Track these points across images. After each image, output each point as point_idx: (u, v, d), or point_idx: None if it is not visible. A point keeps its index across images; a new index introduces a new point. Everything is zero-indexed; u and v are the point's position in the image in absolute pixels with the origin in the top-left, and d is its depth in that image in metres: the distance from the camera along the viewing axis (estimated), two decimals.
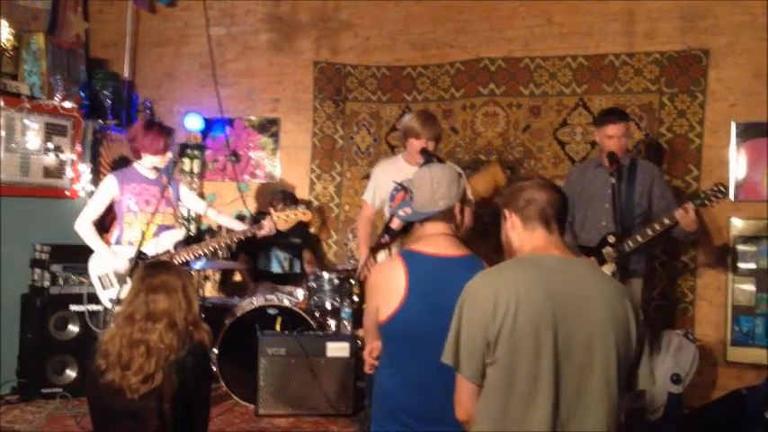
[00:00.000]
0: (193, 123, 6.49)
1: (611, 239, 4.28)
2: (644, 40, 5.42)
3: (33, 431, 4.42)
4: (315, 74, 6.35)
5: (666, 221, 4.18)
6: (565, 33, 5.63)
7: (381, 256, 4.03)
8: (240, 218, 6.33)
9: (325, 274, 5.26)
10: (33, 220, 5.24)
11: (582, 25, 5.59)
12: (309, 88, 6.37)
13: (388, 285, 2.52)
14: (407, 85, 6.11)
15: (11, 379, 5.07)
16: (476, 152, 5.79)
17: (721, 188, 4.14)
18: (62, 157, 5.44)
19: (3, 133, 5.08)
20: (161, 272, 2.83)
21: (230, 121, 6.63)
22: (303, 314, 5.04)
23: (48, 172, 5.38)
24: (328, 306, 5.14)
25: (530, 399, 1.97)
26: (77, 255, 4.85)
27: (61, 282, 5.12)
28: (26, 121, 5.21)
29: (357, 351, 4.69)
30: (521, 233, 2.19)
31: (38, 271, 5.15)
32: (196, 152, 6.53)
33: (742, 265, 5.10)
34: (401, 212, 2.73)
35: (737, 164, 5.15)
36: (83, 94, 6.01)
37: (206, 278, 6.20)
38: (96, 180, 5.42)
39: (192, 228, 6.23)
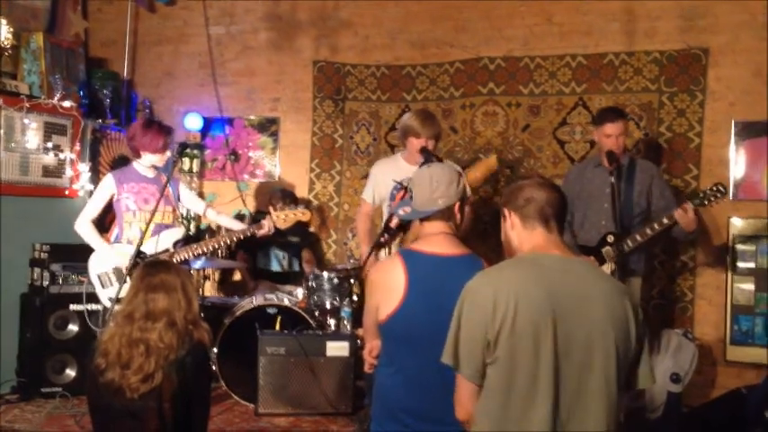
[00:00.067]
0: (193, 122, 6.50)
1: (611, 239, 4.29)
2: (643, 39, 5.42)
3: (33, 430, 4.41)
4: (314, 73, 6.35)
5: (665, 221, 4.18)
6: (564, 32, 5.63)
7: (382, 255, 4.04)
8: (239, 217, 6.34)
9: (325, 274, 5.26)
10: (33, 219, 5.23)
11: (581, 24, 5.59)
12: (309, 87, 6.37)
13: (388, 284, 2.52)
14: (407, 84, 6.11)
15: (10, 378, 5.07)
16: (475, 151, 5.78)
17: (720, 188, 4.15)
18: (61, 156, 5.43)
19: (2, 132, 5.07)
20: (160, 271, 2.83)
21: (230, 121, 6.63)
22: (303, 313, 5.04)
23: (47, 171, 5.37)
24: (328, 305, 5.14)
25: (529, 398, 1.97)
26: (77, 254, 4.85)
27: (60, 281, 5.11)
28: (25, 121, 5.20)
29: (357, 350, 4.69)
30: (520, 232, 2.19)
31: (37, 270, 5.14)
32: (195, 151, 6.53)
33: (741, 265, 5.10)
34: (401, 211, 2.72)
35: (737, 163, 5.15)
36: (82, 94, 6.01)
37: (206, 277, 6.20)
38: (95, 179, 5.42)
39: (192, 227, 6.22)
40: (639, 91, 5.42)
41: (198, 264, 5.25)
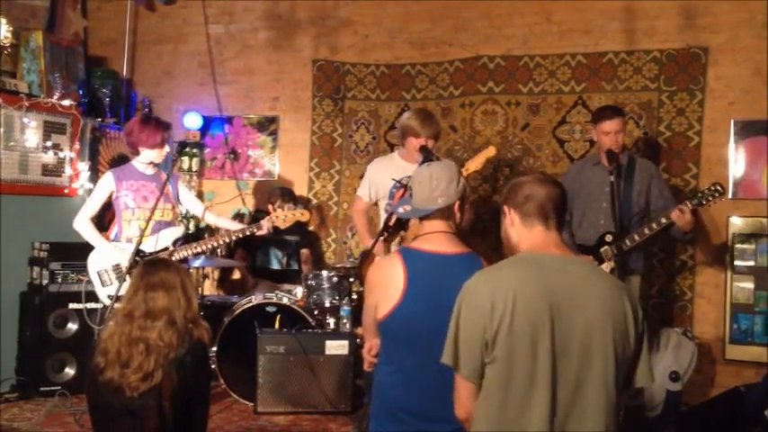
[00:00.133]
0: (192, 121, 6.50)
1: (609, 238, 4.29)
2: (643, 38, 5.42)
3: (32, 429, 4.41)
4: (314, 72, 6.35)
5: (663, 221, 4.18)
6: (564, 31, 5.63)
7: (382, 254, 4.04)
8: (239, 216, 6.34)
9: (324, 273, 5.26)
10: (32, 218, 5.23)
11: (581, 23, 5.59)
12: (308, 86, 6.37)
13: (387, 283, 2.52)
14: (406, 83, 6.11)
15: (10, 377, 5.06)
16: (475, 150, 5.76)
17: (719, 187, 4.15)
18: (61, 155, 5.43)
19: (1, 131, 5.07)
20: (160, 269, 2.83)
21: (229, 120, 6.64)
22: (302, 312, 5.04)
23: (46, 170, 5.37)
24: (327, 304, 5.14)
25: (527, 398, 1.97)
26: (76, 253, 4.86)
27: (60, 280, 5.12)
28: (25, 119, 5.20)
29: (356, 349, 4.69)
30: (519, 230, 2.19)
31: (36, 269, 5.14)
32: (195, 150, 6.53)
33: (741, 263, 5.10)
34: (401, 209, 2.72)
35: (736, 162, 5.15)
36: (81, 92, 6.01)
37: (205, 276, 6.20)
38: (95, 178, 5.42)
39: (191, 225, 6.22)
40: (639, 90, 5.42)
41: (197, 262, 5.26)
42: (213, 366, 4.83)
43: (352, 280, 5.21)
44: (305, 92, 6.39)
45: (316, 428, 4.60)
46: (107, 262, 4.53)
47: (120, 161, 5.51)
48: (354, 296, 5.15)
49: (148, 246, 4.45)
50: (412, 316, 2.46)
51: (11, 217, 5.09)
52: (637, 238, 4.23)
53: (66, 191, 5.46)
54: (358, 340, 4.71)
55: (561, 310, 1.98)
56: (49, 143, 5.36)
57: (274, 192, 5.85)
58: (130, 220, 4.56)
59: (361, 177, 4.82)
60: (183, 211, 5.03)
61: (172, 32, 6.84)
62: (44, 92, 5.58)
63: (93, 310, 4.84)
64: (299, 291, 5.29)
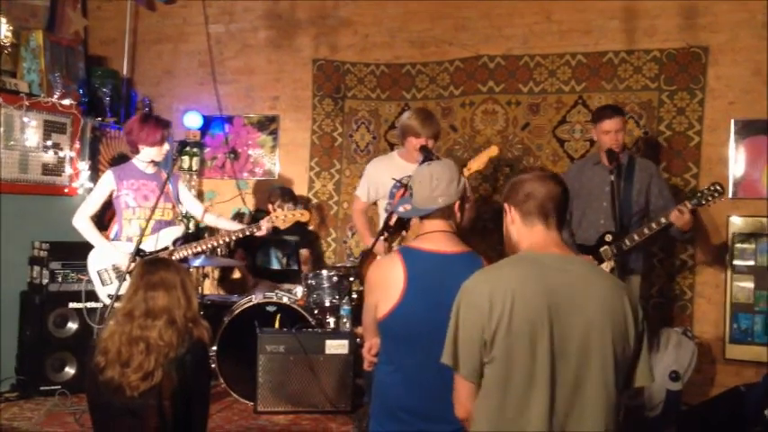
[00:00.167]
0: (192, 121, 6.50)
1: (609, 238, 4.29)
2: (643, 38, 5.42)
3: (32, 428, 4.42)
4: (314, 71, 6.35)
5: (663, 221, 4.18)
6: (564, 31, 5.63)
7: (382, 253, 4.04)
8: (239, 215, 6.34)
9: (324, 272, 5.27)
10: (32, 217, 5.23)
11: (581, 23, 5.59)
12: (308, 86, 6.37)
13: (387, 282, 2.52)
14: (406, 82, 6.11)
15: (10, 376, 5.07)
16: (475, 150, 5.77)
17: (718, 187, 4.14)
18: (61, 154, 5.43)
19: (1, 131, 5.07)
20: (160, 269, 2.83)
21: (229, 119, 6.64)
22: (302, 311, 5.04)
23: (46, 169, 5.37)
24: (327, 303, 5.15)
25: (526, 398, 1.96)
26: (76, 252, 4.86)
27: (60, 279, 5.12)
28: (25, 119, 5.20)
29: (356, 348, 4.69)
30: (519, 228, 2.18)
31: (36, 268, 5.14)
32: (195, 149, 6.53)
33: (740, 263, 5.10)
34: (401, 209, 2.72)
35: (736, 161, 5.15)
36: (81, 92, 6.01)
37: (205, 275, 6.20)
38: (95, 177, 5.42)
39: (192, 225, 6.22)
40: (639, 89, 5.42)
41: (197, 262, 5.26)
42: (213, 366, 4.83)
43: (352, 279, 5.21)
44: (305, 91, 6.39)
45: (316, 428, 4.60)
46: (107, 261, 4.53)
47: (120, 160, 5.51)
48: (354, 295, 5.15)
49: (148, 245, 4.44)
50: (412, 315, 2.46)
51: (11, 216, 5.09)
52: (636, 237, 4.23)
53: (66, 190, 5.47)
54: (358, 340, 4.71)
55: (560, 310, 1.98)
56: (49, 142, 5.36)
57: (274, 191, 5.85)
58: (131, 219, 4.55)
59: (362, 177, 4.81)
60: (184, 211, 5.03)
61: (172, 32, 6.84)
62: (44, 91, 5.58)
63: (93, 310, 4.84)
64: (299, 290, 5.29)
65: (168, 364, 2.68)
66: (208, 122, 6.62)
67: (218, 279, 6.60)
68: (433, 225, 2.58)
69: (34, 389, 5.00)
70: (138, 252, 4.28)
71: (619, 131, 4.39)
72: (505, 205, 2.23)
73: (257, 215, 6.03)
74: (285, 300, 5.09)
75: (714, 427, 4.16)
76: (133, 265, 4.10)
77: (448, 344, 2.09)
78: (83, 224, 4.54)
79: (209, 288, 6.45)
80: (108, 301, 4.40)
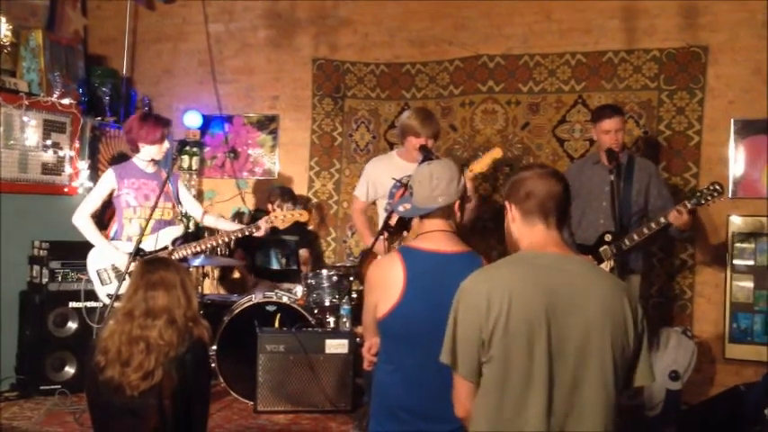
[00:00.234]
0: (192, 120, 6.50)
1: (608, 238, 4.29)
2: (643, 37, 5.42)
3: (32, 428, 4.41)
4: (313, 71, 6.35)
5: (663, 220, 4.19)
6: (564, 30, 5.64)
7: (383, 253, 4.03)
8: (239, 214, 6.34)
9: (324, 271, 5.27)
10: (32, 216, 5.23)
11: (581, 22, 5.59)
12: (308, 85, 6.37)
13: (387, 282, 2.52)
14: (406, 82, 6.11)
15: (10, 375, 5.07)
16: (475, 149, 5.78)
17: (717, 187, 4.15)
18: (60, 153, 5.43)
19: (1, 130, 5.07)
20: (159, 268, 2.83)
21: (229, 118, 6.63)
22: (302, 311, 5.04)
23: (46, 169, 5.37)
24: (327, 303, 5.15)
25: (524, 398, 1.96)
26: (76, 251, 4.86)
27: (60, 278, 5.12)
28: (24, 118, 5.20)
29: (356, 348, 4.69)
30: (520, 227, 2.18)
31: (36, 268, 5.14)
32: (195, 149, 6.53)
33: (740, 263, 5.11)
34: (401, 208, 2.72)
35: (736, 161, 5.15)
36: (81, 91, 6.01)
37: (205, 275, 6.20)
38: (95, 177, 5.42)
39: (191, 225, 6.22)
40: (639, 89, 5.42)
41: (196, 261, 5.26)
42: (213, 365, 4.83)
43: (351, 279, 5.21)
44: (305, 90, 6.39)
45: (315, 427, 4.60)
46: (106, 261, 4.52)
47: (119, 159, 5.51)
48: (354, 295, 5.15)
49: (148, 244, 4.44)
50: (412, 315, 2.46)
51: (11, 216, 5.09)
52: (636, 237, 4.23)
53: (65, 189, 5.46)
54: (358, 339, 4.71)
55: (558, 311, 1.97)
56: (48, 142, 5.36)
57: (274, 191, 5.86)
58: (132, 219, 4.55)
59: (360, 177, 4.81)
60: (183, 211, 5.03)
61: (172, 31, 6.84)
62: (44, 90, 5.58)
63: (93, 309, 4.84)
64: (299, 290, 5.29)
65: (168, 363, 2.68)
66: (207, 122, 6.62)
67: (218, 278, 6.60)
68: (433, 224, 2.58)
69: (34, 388, 5.00)
70: (138, 251, 4.28)
71: (618, 131, 4.40)
72: (506, 203, 2.23)
73: (257, 214, 6.03)
74: (285, 299, 5.09)
75: (714, 427, 4.16)
76: (133, 264, 4.10)
77: (446, 343, 2.09)
78: (82, 222, 4.53)
79: (209, 287, 6.45)
80: (107, 301, 4.40)
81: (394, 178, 4.30)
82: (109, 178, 4.58)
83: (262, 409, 4.74)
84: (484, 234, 5.55)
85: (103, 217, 4.97)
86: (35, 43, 5.74)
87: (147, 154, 4.58)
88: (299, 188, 6.30)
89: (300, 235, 5.95)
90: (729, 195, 5.02)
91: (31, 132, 5.27)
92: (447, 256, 2.53)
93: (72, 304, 5.09)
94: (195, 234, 5.97)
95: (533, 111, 5.70)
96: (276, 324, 4.99)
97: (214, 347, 4.87)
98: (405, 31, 6.10)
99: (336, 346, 4.79)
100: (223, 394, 5.00)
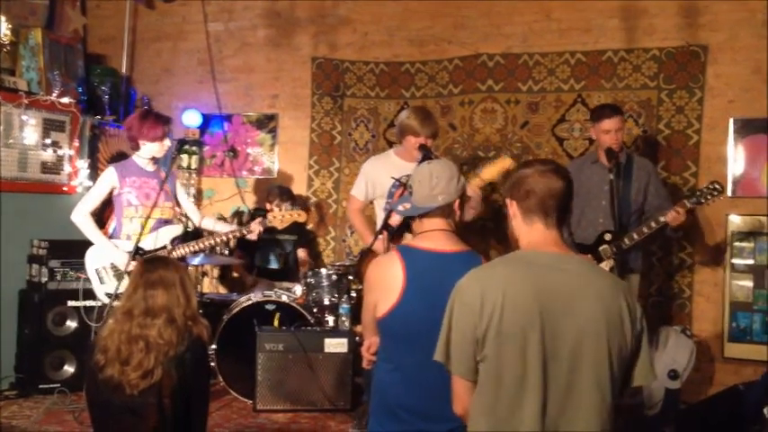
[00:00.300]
0: (191, 119, 6.49)
1: (608, 237, 4.29)
2: (642, 37, 5.42)
3: (31, 426, 4.42)
4: (313, 70, 6.34)
5: (662, 219, 4.19)
6: (563, 29, 5.63)
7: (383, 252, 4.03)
8: (238, 213, 6.34)
9: (323, 270, 5.27)
10: (31, 215, 5.23)
11: (580, 21, 5.58)
12: (307, 84, 6.37)
13: (386, 281, 2.52)
14: (406, 81, 6.11)
15: (9, 374, 5.07)
16: (474, 148, 5.79)
17: (717, 186, 4.15)
18: (60, 152, 5.43)
19: (1, 129, 5.07)
20: (159, 267, 2.83)
21: (228, 117, 6.63)
22: (301, 310, 5.04)
23: (45, 167, 5.37)
24: (326, 302, 5.15)
25: (518, 398, 1.96)
26: (75, 250, 4.85)
27: (59, 277, 5.11)
28: (24, 117, 5.20)
29: (355, 347, 4.69)
30: (520, 225, 2.17)
31: (36, 266, 5.14)
32: (194, 148, 6.52)
33: (739, 262, 5.11)
34: (400, 207, 2.72)
35: (735, 160, 5.15)
36: (80, 90, 6.01)
37: (204, 274, 6.20)
38: (94, 176, 5.42)
39: (191, 224, 6.22)
40: (638, 88, 5.42)
41: (195, 260, 5.26)
42: (212, 364, 4.83)
43: (351, 278, 5.21)
44: (304, 89, 6.39)
45: (315, 426, 4.60)
46: (105, 259, 4.52)
47: (119, 158, 5.51)
48: (353, 294, 5.15)
49: (147, 243, 4.44)
50: (411, 314, 2.46)
51: (10, 215, 5.09)
52: (636, 236, 4.23)
53: (65, 188, 5.46)
54: (357, 338, 4.72)
55: (553, 312, 1.97)
56: (48, 141, 5.36)
57: (273, 190, 5.86)
58: (132, 218, 4.53)
59: (357, 176, 4.80)
60: (183, 211, 5.03)
61: (171, 30, 6.83)
62: (43, 89, 5.58)
63: (92, 308, 4.84)
64: (299, 289, 5.29)
65: (168, 362, 2.68)
66: (207, 121, 6.62)
67: (218, 277, 6.60)
68: (433, 224, 2.58)
69: (33, 387, 5.00)
70: (137, 250, 4.27)
71: (618, 131, 4.40)
72: (507, 200, 2.22)
73: (256, 213, 6.02)
74: (284, 298, 5.10)
75: (713, 426, 4.16)
76: (132, 263, 4.10)
77: (441, 342, 2.09)
78: (81, 219, 4.51)
79: (209, 286, 6.44)
80: (106, 300, 4.40)
81: (393, 177, 4.30)
82: (110, 176, 4.56)
83: (261, 408, 4.74)
84: (483, 233, 5.55)
85: (102, 215, 4.96)
86: (34, 42, 5.74)
87: (148, 152, 4.57)
88: (299, 187, 6.30)
89: (299, 235, 5.95)
90: (728, 194, 5.02)
91: (31, 131, 5.26)
92: (446, 256, 2.53)
93: (71, 303, 5.09)
94: (194, 233, 5.97)
95: (533, 110, 5.70)
96: (275, 323, 4.99)
97: (213, 346, 4.87)
98: (404, 30, 6.10)
99: (335, 345, 4.79)
100: (222, 393, 5.00)
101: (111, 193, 4.58)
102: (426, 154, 4.08)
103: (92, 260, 4.54)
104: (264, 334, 4.78)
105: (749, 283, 5.08)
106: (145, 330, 2.69)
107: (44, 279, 5.08)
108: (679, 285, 5.29)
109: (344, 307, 5.03)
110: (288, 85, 6.46)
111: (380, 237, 3.92)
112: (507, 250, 2.27)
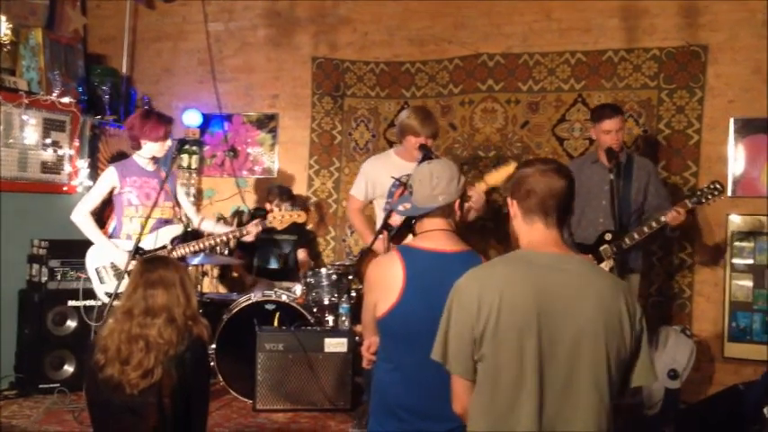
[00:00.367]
0: (192, 119, 6.50)
1: (608, 237, 4.29)
2: (643, 36, 5.42)
3: (31, 426, 4.41)
4: (313, 69, 6.34)
5: (663, 219, 4.19)
6: (563, 29, 5.63)
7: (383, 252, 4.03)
8: (238, 213, 6.34)
9: (323, 270, 5.27)
10: (31, 215, 5.23)
11: (580, 21, 5.59)
12: (308, 84, 6.37)
13: (386, 281, 2.52)
14: (406, 80, 6.11)
15: (9, 374, 5.07)
16: (474, 148, 5.79)
17: (717, 186, 4.15)
18: (60, 152, 5.43)
19: (1, 129, 5.07)
20: (159, 267, 2.83)
21: (228, 117, 6.63)
22: (301, 310, 5.04)
23: (45, 167, 5.37)
24: (326, 302, 5.15)
25: (515, 397, 1.95)
26: (75, 250, 4.85)
27: (59, 277, 5.11)
28: (24, 117, 5.20)
29: (355, 346, 4.69)
30: (520, 224, 2.17)
31: (36, 266, 5.14)
32: (194, 148, 6.52)
33: (739, 261, 5.11)
34: (401, 207, 2.72)
35: (736, 160, 5.15)
36: (81, 90, 6.01)
37: (204, 274, 6.20)
38: (94, 175, 5.42)
39: (190, 224, 6.22)
40: (638, 88, 5.42)
41: (195, 260, 5.26)
42: (212, 364, 4.83)
43: (351, 277, 5.21)
44: (304, 89, 6.39)
45: (314, 426, 4.60)
46: (105, 259, 4.52)
47: (119, 158, 5.51)
48: (353, 294, 5.15)
49: (147, 243, 4.44)
50: (411, 314, 2.46)
51: (10, 214, 5.09)
52: (636, 236, 4.23)
53: (65, 188, 5.46)
54: (357, 338, 4.71)
55: (550, 312, 1.96)
56: (48, 140, 5.36)
57: (273, 190, 5.86)
58: (133, 217, 4.53)
59: (357, 176, 4.79)
60: (183, 211, 5.03)
61: (171, 30, 6.83)
62: (43, 89, 5.58)
63: (91, 308, 4.83)
64: (299, 288, 5.29)
65: (168, 361, 2.68)
66: (207, 120, 6.62)
67: (218, 277, 6.60)
68: (433, 223, 2.58)
69: (33, 387, 5.00)
70: (137, 250, 4.27)
71: (619, 131, 4.40)
72: (508, 200, 2.22)
73: (256, 213, 6.02)
74: (284, 298, 5.10)
75: (713, 426, 4.16)
76: (132, 263, 4.10)
77: (438, 341, 2.09)
78: (82, 219, 4.51)
79: (208, 286, 6.44)
80: (106, 299, 4.40)
81: (393, 177, 4.30)
82: (110, 176, 4.56)
83: (261, 408, 4.74)
84: (483, 233, 5.55)
85: (102, 214, 4.96)
86: (35, 42, 5.74)
87: (149, 151, 4.57)
88: (299, 187, 6.30)
89: (298, 235, 5.95)
90: (729, 194, 5.02)
91: (31, 131, 5.26)
92: (447, 256, 2.53)
93: (71, 303, 5.08)
94: (194, 233, 5.97)
95: (533, 109, 5.70)
96: (275, 323, 4.99)
97: (213, 346, 4.87)
98: (404, 30, 6.10)
99: (335, 344, 4.79)
100: (222, 393, 5.00)
101: (111, 193, 4.58)
102: (427, 154, 4.07)
103: (92, 260, 4.55)
104: (264, 334, 4.78)
105: (749, 283, 5.08)
106: (145, 330, 2.69)
107: (44, 279, 5.08)
108: (679, 285, 5.29)
109: (344, 307, 5.03)
110: (288, 84, 6.46)
111: (380, 236, 3.92)
112: (507, 250, 2.27)
